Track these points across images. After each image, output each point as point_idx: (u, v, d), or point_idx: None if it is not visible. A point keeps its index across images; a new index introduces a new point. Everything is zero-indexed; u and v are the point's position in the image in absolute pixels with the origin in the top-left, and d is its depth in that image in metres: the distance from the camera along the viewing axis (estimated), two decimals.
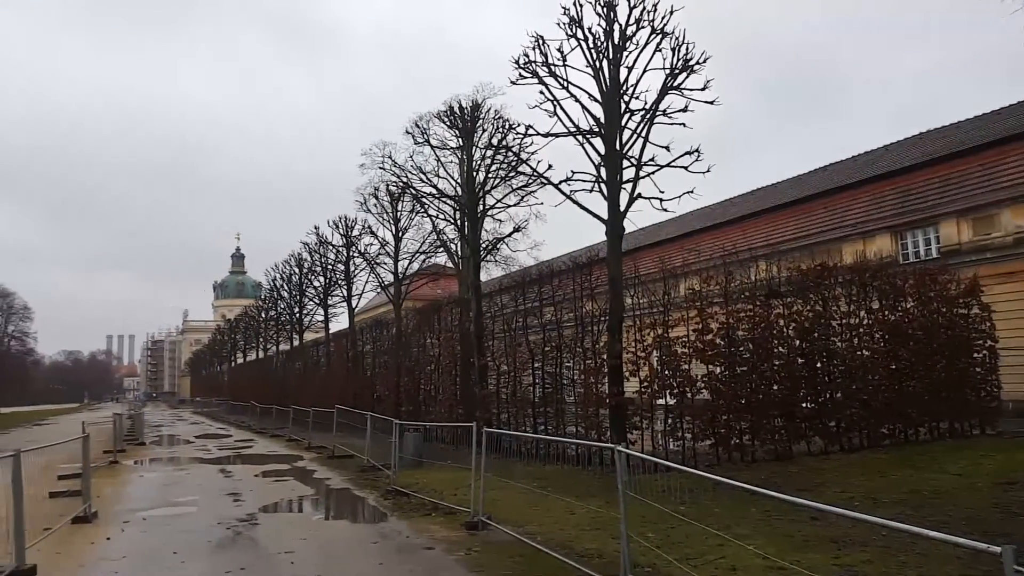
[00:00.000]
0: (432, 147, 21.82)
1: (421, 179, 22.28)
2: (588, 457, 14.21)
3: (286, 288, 40.74)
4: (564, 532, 8.30)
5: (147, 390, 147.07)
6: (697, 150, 13.55)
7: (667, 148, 13.66)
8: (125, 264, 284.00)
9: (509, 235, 22.08)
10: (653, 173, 13.76)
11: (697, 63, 13.33)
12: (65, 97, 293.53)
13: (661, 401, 13.47)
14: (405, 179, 23.06)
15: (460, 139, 20.72)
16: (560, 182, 14.46)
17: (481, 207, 20.12)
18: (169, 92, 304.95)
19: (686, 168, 13.62)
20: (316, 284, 35.83)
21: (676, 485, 8.83)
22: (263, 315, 50.65)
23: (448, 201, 21.98)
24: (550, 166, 15.39)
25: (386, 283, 29.05)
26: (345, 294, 32.67)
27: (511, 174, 19.54)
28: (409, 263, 27.48)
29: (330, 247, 33.03)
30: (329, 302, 34.82)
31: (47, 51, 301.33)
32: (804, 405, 13.50)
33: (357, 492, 12.77)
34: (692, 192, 13.63)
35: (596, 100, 13.89)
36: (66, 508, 10.45)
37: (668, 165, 13.70)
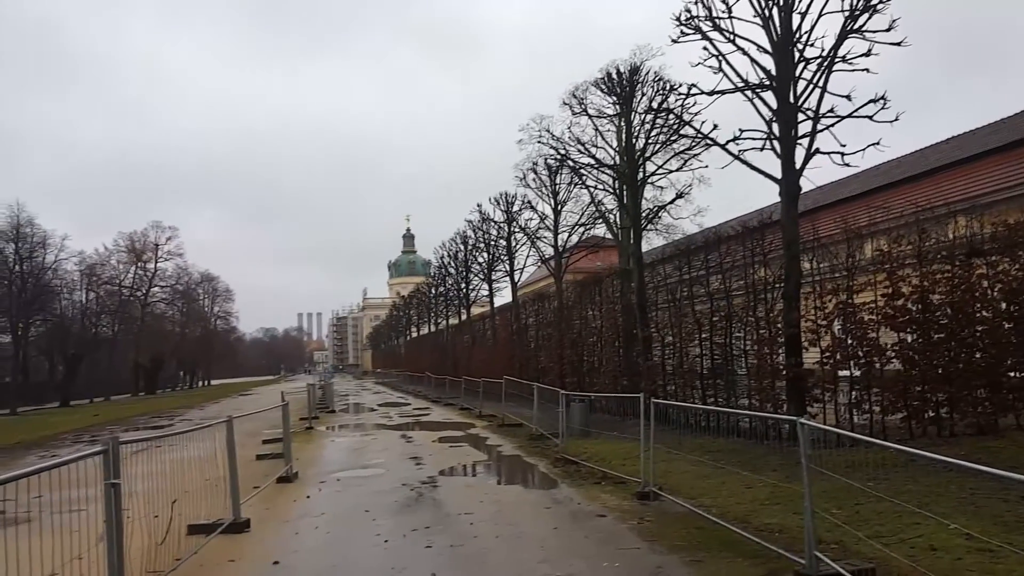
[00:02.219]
0: (589, 116, 21.52)
1: (579, 150, 22.10)
2: (764, 431, 13.57)
3: (453, 265, 42.48)
4: (741, 506, 7.98)
5: (334, 363, 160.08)
6: (883, 97, 12.25)
7: (848, 97, 12.49)
8: (312, 250, 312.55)
9: (671, 202, 21.37)
10: (832, 125, 12.63)
11: (880, 1, 12.02)
12: (256, 112, 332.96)
13: (844, 372, 12.52)
14: (563, 151, 23.00)
15: (618, 106, 20.27)
16: (727, 142, 13.69)
17: (641, 174, 19.62)
18: (343, 102, 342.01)
19: (870, 117, 12.37)
20: (480, 260, 37.00)
21: (863, 460, 8.18)
22: (433, 291, 53.23)
23: (607, 170, 21.65)
24: (715, 126, 14.62)
25: (546, 256, 29.33)
26: (508, 269, 33.44)
27: (672, 138, 18.84)
28: (568, 236, 27.52)
29: (492, 223, 33.90)
30: (493, 277, 35.83)
31: (241, 75, 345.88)
32: (1012, 374, 11.96)
33: (527, 459, 13.09)
34: (878, 144, 12.38)
35: (766, 51, 12.96)
36: (271, 469, 11.61)
37: (850, 116, 12.51)
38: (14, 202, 66.44)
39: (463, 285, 41.01)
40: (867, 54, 12.41)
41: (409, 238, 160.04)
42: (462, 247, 39.52)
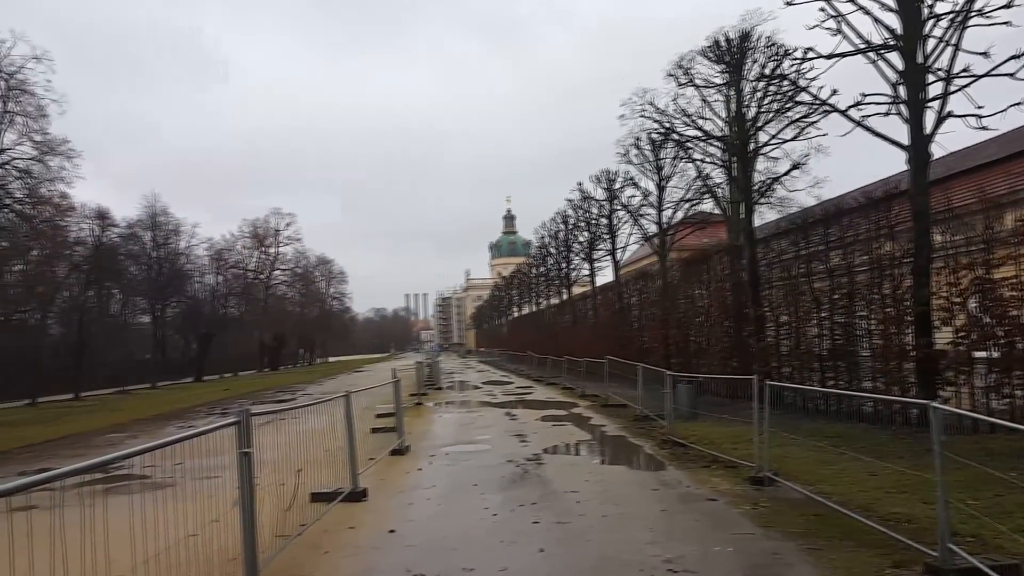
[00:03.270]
0: (696, 87, 20.78)
1: (685, 122, 21.41)
2: (889, 415, 12.80)
3: (553, 245, 42.46)
4: (864, 494, 7.57)
5: (439, 341, 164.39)
6: None
7: (985, 54, 11.44)
8: (418, 232, 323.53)
9: (785, 173, 20.37)
10: (967, 86, 11.64)
11: None
12: (366, 103, 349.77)
13: (980, 353, 11.59)
14: (667, 124, 22.36)
15: (727, 74, 19.47)
16: (848, 108, 12.94)
17: (752, 145, 18.81)
18: (443, 93, 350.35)
19: (1011, 75, 11.31)
20: (581, 239, 36.74)
21: (1003, 447, 7.57)
22: (534, 271, 53.47)
23: (715, 143, 20.89)
24: (834, 91, 13.81)
25: (650, 234, 28.74)
26: (609, 247, 33.04)
27: (787, 106, 17.87)
28: (673, 212, 26.79)
29: (593, 202, 33.54)
30: (594, 256, 35.54)
31: (348, 67, 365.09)
32: None
33: (632, 440, 12.96)
34: (1021, 104, 11.30)
35: (890, 9, 12.07)
36: (385, 442, 12.08)
37: (987, 75, 11.48)
38: (151, 193, 72.14)
39: (564, 265, 40.92)
40: (1007, 5, 11.33)
41: (510, 219, 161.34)
42: (562, 226, 39.41)
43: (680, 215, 27.17)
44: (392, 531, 6.93)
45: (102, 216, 49.58)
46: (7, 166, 32.39)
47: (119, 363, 55.27)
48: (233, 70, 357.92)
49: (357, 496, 8.24)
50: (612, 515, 7.36)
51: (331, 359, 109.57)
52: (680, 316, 22.71)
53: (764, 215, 25.42)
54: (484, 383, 32.33)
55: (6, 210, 33.45)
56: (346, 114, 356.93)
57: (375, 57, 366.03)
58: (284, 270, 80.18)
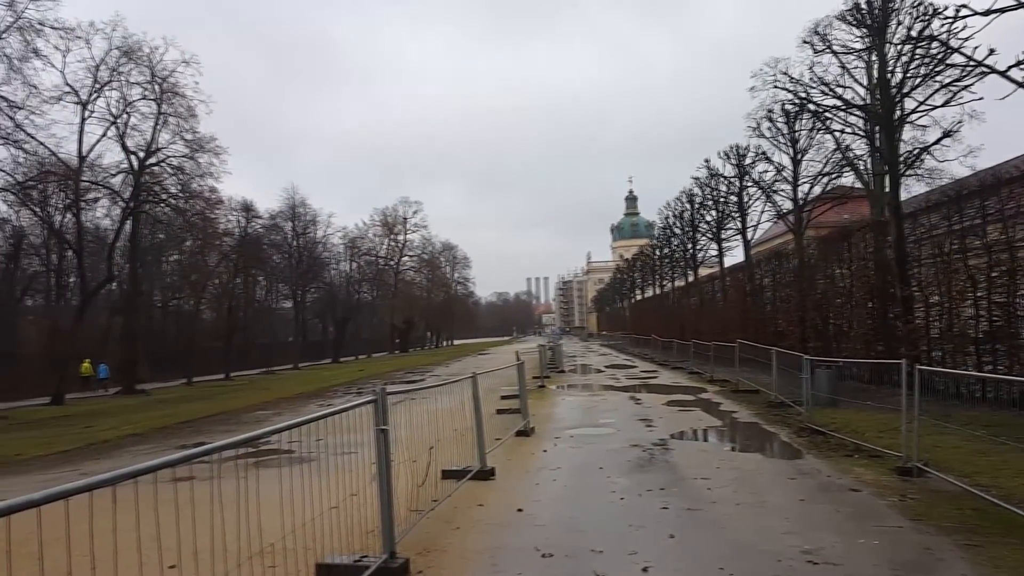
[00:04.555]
0: (834, 53, 19.40)
1: (822, 91, 20.06)
2: None
3: (678, 225, 41.27)
4: None
5: (561, 325, 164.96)
6: None
7: None
8: (539, 216, 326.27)
9: (935, 142, 18.60)
10: None
11: None
12: (484, 92, 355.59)
13: None
14: (803, 94, 21.04)
15: (869, 38, 18.04)
16: (1008, 68, 11.68)
17: (898, 113, 17.33)
18: (560, 76, 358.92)
19: None
20: (708, 218, 35.47)
21: None
22: (657, 253, 52.31)
23: (856, 112, 19.44)
24: (991, 51, 12.48)
25: (784, 211, 27.27)
26: (739, 226, 31.68)
27: (937, 69, 16.31)
28: (810, 187, 25.25)
29: (721, 179, 32.22)
30: (722, 236, 34.19)
31: (469, 60, 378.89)
32: None
33: (766, 427, 12.42)
34: None
35: None
36: (509, 423, 12.25)
37: None
38: (290, 186, 76.89)
39: (690, 245, 39.69)
40: None
41: (631, 200, 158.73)
42: (688, 206, 38.17)
43: (817, 190, 25.59)
44: (520, 510, 7.02)
45: (247, 208, 53.51)
46: (162, 164, 35.48)
47: (265, 346, 59.62)
48: (372, 64, 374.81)
49: (485, 475, 8.41)
50: (746, 503, 7.08)
51: (456, 342, 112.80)
52: (818, 297, 21.46)
53: (911, 188, 23.43)
54: (607, 367, 32.10)
55: (163, 205, 36.69)
56: (472, 105, 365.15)
57: (493, 47, 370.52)
58: (412, 256, 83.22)
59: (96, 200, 36.01)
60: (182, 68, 34.03)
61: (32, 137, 27.99)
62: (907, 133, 18.92)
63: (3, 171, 28.22)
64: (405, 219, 79.48)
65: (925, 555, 5.40)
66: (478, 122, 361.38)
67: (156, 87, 33.68)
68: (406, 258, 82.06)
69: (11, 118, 26.80)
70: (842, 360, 16.50)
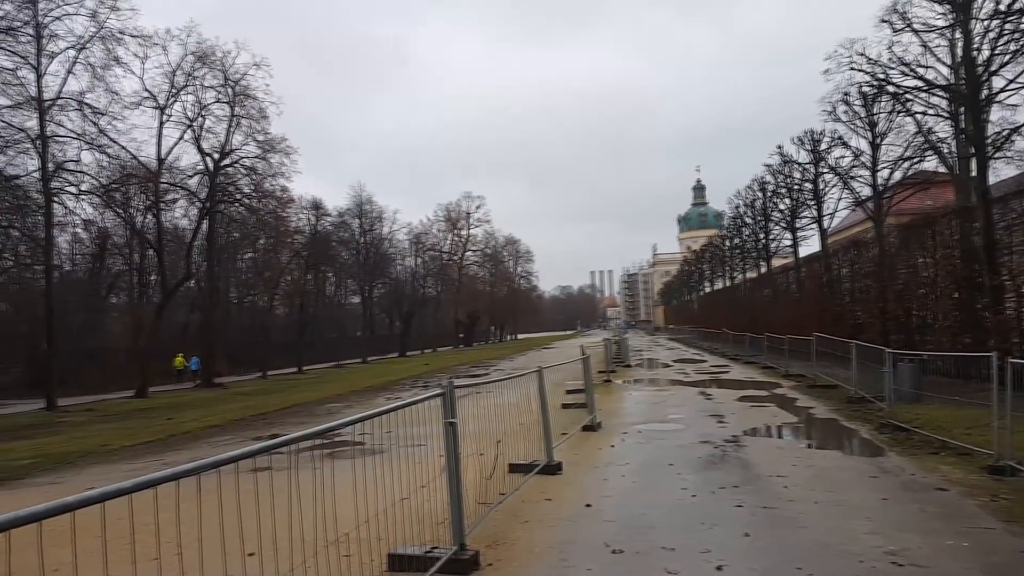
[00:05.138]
0: (915, 31, 18.44)
1: (902, 71, 19.12)
2: None
3: (749, 214, 40.19)
4: None
5: (626, 319, 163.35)
6: None
7: None
8: (602, 209, 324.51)
9: None
10: None
11: None
12: (548, 84, 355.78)
13: None
14: (881, 75, 20.08)
15: (952, 14, 17.09)
16: None
17: (985, 92, 16.39)
18: (625, 65, 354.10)
19: None
20: (782, 207, 34.40)
21: None
22: (727, 243, 51.11)
23: (938, 92, 18.46)
24: None
25: (862, 198, 26.15)
26: (815, 214, 30.56)
27: None
28: (890, 172, 24.10)
29: (795, 166, 31.12)
30: (796, 225, 33.09)
31: (537, 50, 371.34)
32: None
33: (845, 423, 11.95)
34: None
35: None
36: (575, 418, 12.16)
37: None
38: (357, 184, 78.59)
39: (762, 235, 38.59)
40: None
41: (699, 189, 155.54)
42: (760, 194, 37.11)
43: (898, 175, 24.41)
44: (588, 505, 6.94)
45: (317, 206, 54.95)
46: (236, 165, 36.73)
47: (334, 340, 61.14)
48: (437, 62, 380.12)
49: (552, 469, 8.36)
50: (825, 502, 6.81)
51: (519, 336, 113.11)
52: (900, 288, 20.54)
53: (999, 171, 22.07)
54: (675, 361, 31.57)
55: (237, 204, 37.99)
56: (536, 98, 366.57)
57: (561, 37, 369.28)
58: (475, 251, 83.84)
59: (175, 201, 37.58)
60: (253, 71, 35.14)
61: (114, 142, 29.39)
62: (995, 113, 17.83)
63: (88, 175, 29.71)
64: (468, 214, 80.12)
65: (1020, 559, 5.09)
66: (540, 115, 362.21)
67: (229, 90, 34.87)
68: (469, 253, 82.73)
69: (95, 124, 28.18)
70: (926, 353, 15.74)
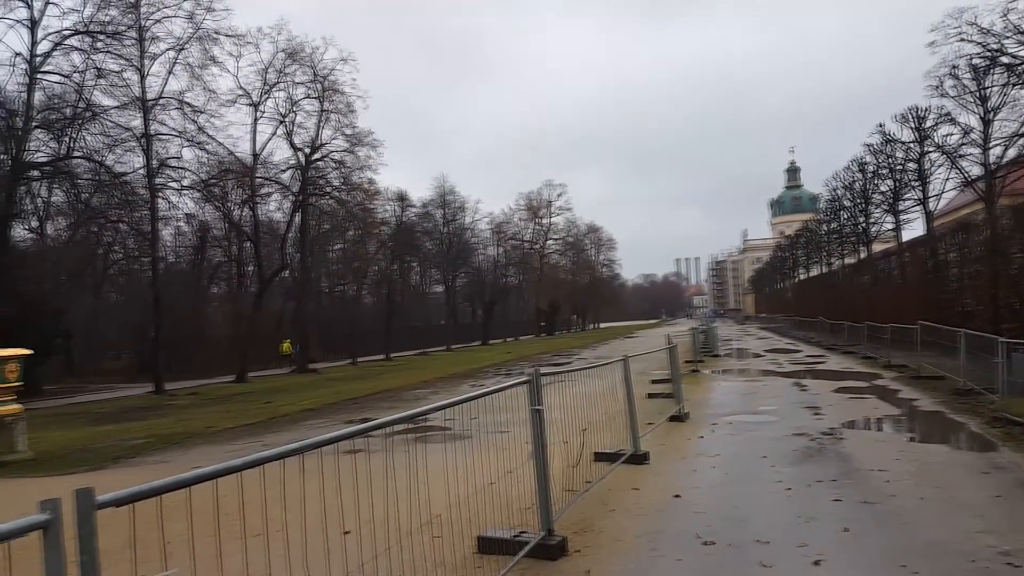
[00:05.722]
0: None
1: (1019, 40, 17.74)
2: None
3: (848, 197, 38.33)
4: None
5: (713, 307, 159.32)
6: None
7: None
8: (688, 195, 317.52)
9: None
10: None
11: None
12: (623, 73, 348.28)
13: None
14: (995, 46, 18.71)
15: None
16: None
17: None
18: (708, 50, 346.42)
19: None
20: (883, 189, 32.63)
21: None
22: (824, 228, 48.98)
23: None
24: None
25: (972, 178, 24.49)
26: (919, 196, 28.88)
27: None
28: (1004, 150, 22.48)
29: (898, 145, 29.44)
30: (899, 207, 31.33)
31: (614, 40, 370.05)
32: None
33: (953, 416, 11.25)
34: None
35: None
36: (662, 408, 11.95)
37: None
38: (440, 175, 79.92)
39: (861, 219, 36.71)
40: None
41: (793, 172, 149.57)
42: (859, 175, 35.29)
43: (1012, 153, 22.74)
44: (677, 496, 6.82)
45: (402, 198, 56.18)
46: (326, 159, 37.93)
47: (419, 328, 62.47)
48: (517, 54, 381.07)
49: (639, 459, 8.26)
50: (931, 498, 6.44)
51: (602, 325, 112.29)
52: (1014, 273, 19.15)
53: None
54: (766, 351, 30.56)
55: (327, 197, 39.26)
56: (615, 86, 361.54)
57: (637, 26, 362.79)
58: (556, 239, 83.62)
59: (269, 195, 39.17)
60: (340, 66, 36.15)
61: (212, 138, 30.89)
62: None
63: (189, 171, 31.38)
64: (549, 202, 79.91)
65: None
66: (622, 103, 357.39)
67: (318, 85, 35.99)
68: (551, 241, 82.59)
69: (194, 122, 29.70)
70: None
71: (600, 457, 7.84)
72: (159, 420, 17.31)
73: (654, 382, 15.38)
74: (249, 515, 2.82)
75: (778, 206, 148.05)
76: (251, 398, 22.31)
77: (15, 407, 11.74)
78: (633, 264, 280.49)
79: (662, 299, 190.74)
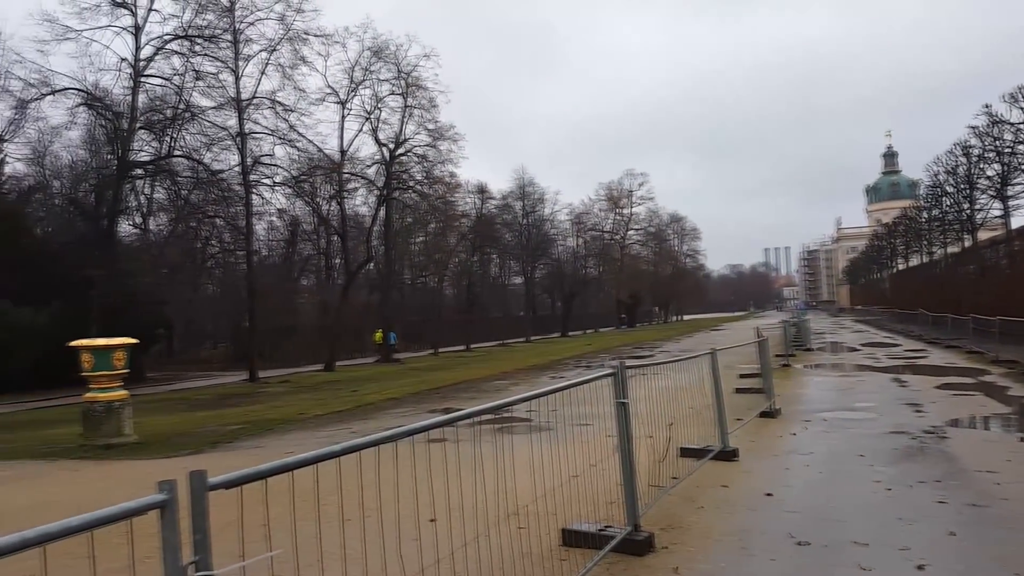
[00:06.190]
0: None
1: None
2: None
3: (950, 182, 36.09)
4: None
5: (805, 299, 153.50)
6: None
7: None
8: (777, 182, 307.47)
9: None
10: None
11: None
12: (704, 61, 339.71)
13: None
14: None
15: None
16: None
17: None
18: (795, 32, 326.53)
19: None
20: (989, 173, 30.54)
21: None
22: (924, 215, 46.35)
23: None
24: None
25: None
26: None
27: None
28: None
29: (1006, 126, 27.48)
30: (1008, 192, 29.26)
31: (690, 27, 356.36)
32: None
33: None
34: None
35: None
36: (751, 403, 11.59)
37: None
38: (519, 167, 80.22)
39: (965, 205, 34.50)
40: None
41: (890, 156, 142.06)
42: (963, 159, 33.15)
43: None
44: (769, 494, 6.60)
45: (482, 190, 56.70)
46: (409, 154, 38.66)
47: (499, 319, 63.01)
48: (592, 44, 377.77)
49: (727, 455, 8.04)
50: None
51: (685, 317, 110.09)
52: None
53: None
54: (863, 344, 29.21)
55: (410, 191, 40.05)
56: (697, 74, 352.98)
57: (714, 13, 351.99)
58: (637, 230, 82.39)
59: (355, 190, 40.29)
60: (423, 62, 36.69)
61: (302, 136, 32.00)
62: None
63: (281, 167, 32.62)
64: (630, 192, 78.76)
65: None
66: (704, 91, 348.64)
67: (402, 82, 36.68)
68: (632, 232, 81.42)
69: (286, 120, 30.85)
70: None
71: (686, 453, 7.67)
72: (253, 407, 18.12)
73: (742, 376, 14.96)
74: (343, 500, 2.90)
75: (874, 192, 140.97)
76: (338, 386, 23.04)
77: (122, 393, 12.45)
78: (719, 254, 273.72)
79: (750, 291, 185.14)
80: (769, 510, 6.15)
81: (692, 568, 4.80)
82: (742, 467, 7.80)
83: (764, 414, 10.95)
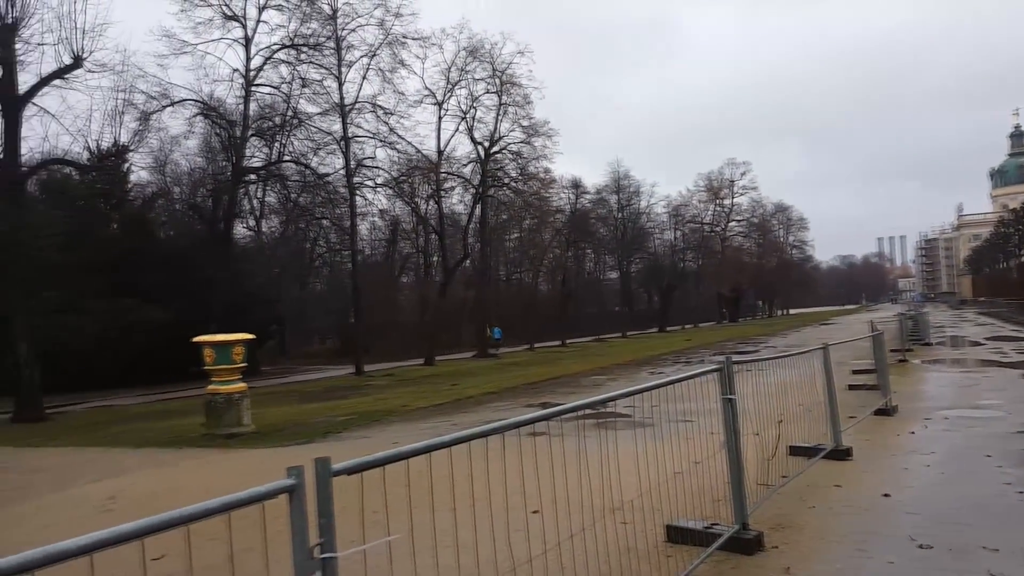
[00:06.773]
0: None
1: None
2: None
3: None
4: None
5: (923, 290, 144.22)
6: None
7: None
8: (892, 169, 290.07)
9: None
10: None
11: None
12: (821, 40, 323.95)
13: None
14: None
15: None
16: None
17: None
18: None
19: None
20: None
21: None
22: None
23: None
24: None
25: None
26: None
27: None
28: None
29: None
30: None
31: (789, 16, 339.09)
32: None
33: None
34: None
35: None
36: (865, 400, 11.02)
37: None
38: (614, 160, 79.35)
39: None
40: None
41: (1017, 137, 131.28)
42: None
43: None
44: (886, 495, 6.27)
45: (576, 185, 56.50)
46: (504, 151, 39.04)
47: (594, 315, 62.65)
48: (696, 34, 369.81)
49: (840, 454, 7.70)
50: None
51: (792, 311, 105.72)
52: None
53: None
54: (987, 338, 27.19)
55: (505, 188, 40.46)
56: (805, 59, 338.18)
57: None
58: (739, 221, 79.97)
59: (452, 188, 41.16)
60: (517, 59, 37.00)
61: (402, 138, 32.99)
62: None
63: (382, 169, 33.74)
64: (732, 182, 76.47)
65: None
66: (809, 76, 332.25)
67: (496, 80, 37.12)
68: (733, 223, 79.08)
69: (386, 123, 31.89)
70: None
71: (796, 451, 7.40)
72: (360, 399, 18.86)
73: (855, 372, 14.25)
74: (448, 489, 2.99)
75: (1000, 176, 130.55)
76: (438, 380, 23.61)
77: (241, 385, 13.25)
78: (828, 245, 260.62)
79: (862, 282, 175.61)
80: (887, 511, 5.85)
81: (805, 568, 4.65)
82: (856, 466, 7.45)
83: (879, 412, 10.40)
